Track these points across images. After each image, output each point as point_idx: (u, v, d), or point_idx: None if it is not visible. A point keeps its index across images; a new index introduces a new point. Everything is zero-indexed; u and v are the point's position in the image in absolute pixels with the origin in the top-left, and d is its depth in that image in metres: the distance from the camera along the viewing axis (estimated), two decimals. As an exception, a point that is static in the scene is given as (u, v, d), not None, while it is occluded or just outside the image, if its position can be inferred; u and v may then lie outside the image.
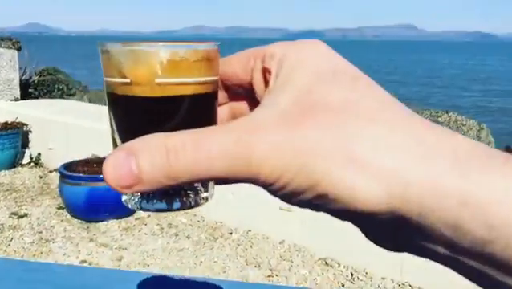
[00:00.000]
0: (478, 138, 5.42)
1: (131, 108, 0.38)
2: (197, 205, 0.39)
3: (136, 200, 0.38)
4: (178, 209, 0.38)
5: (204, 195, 0.40)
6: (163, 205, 0.37)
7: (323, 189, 0.29)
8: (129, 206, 0.38)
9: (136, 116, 0.38)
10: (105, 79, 0.38)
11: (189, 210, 3.78)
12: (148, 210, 0.38)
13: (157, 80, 0.36)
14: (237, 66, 0.40)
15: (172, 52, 0.36)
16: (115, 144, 0.41)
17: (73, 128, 4.69)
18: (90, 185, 3.67)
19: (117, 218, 3.73)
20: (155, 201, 0.37)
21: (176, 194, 0.38)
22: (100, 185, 3.66)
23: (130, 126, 0.38)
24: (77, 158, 4.00)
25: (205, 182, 0.40)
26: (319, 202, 0.31)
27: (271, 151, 0.30)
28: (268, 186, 0.31)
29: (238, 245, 3.37)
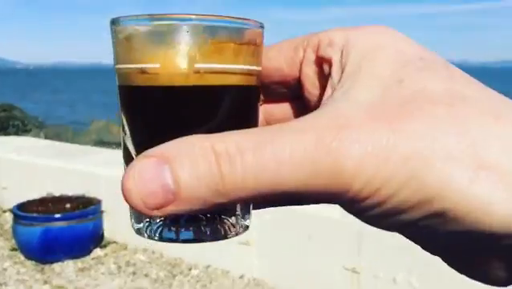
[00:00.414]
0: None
1: (157, 103, 0.29)
2: (235, 234, 0.30)
3: (155, 227, 0.30)
4: (210, 240, 0.30)
5: (244, 222, 0.31)
6: (189, 234, 0.29)
7: (441, 204, 0.22)
8: (144, 236, 0.30)
9: (164, 112, 0.29)
10: (120, 66, 0.30)
11: (149, 247, 3.71)
12: (170, 241, 0.30)
13: (196, 66, 0.28)
14: (281, 58, 0.31)
15: (219, 29, 0.28)
16: (127, 155, 0.32)
17: (27, 167, 4.58)
18: (44, 225, 3.57)
19: (73, 259, 3.62)
20: (181, 229, 0.29)
21: (209, 220, 0.29)
22: (55, 224, 3.57)
23: (154, 126, 0.30)
24: (31, 197, 3.90)
25: (247, 204, 0.31)
26: (430, 222, 0.24)
27: (367, 155, 0.23)
28: (358, 202, 0.24)
29: (198, 281, 3.31)
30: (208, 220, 0.29)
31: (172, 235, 0.29)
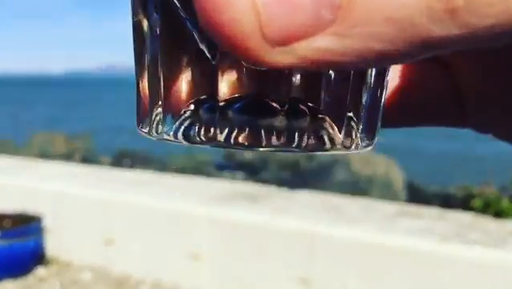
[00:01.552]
0: (387, 173, 5.64)
1: None
2: (351, 147, 0.18)
3: (189, 122, 0.18)
4: (299, 148, 0.18)
5: (367, 136, 0.19)
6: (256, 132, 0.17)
7: None
8: (164, 136, 0.19)
9: None
10: None
11: (95, 264, 3.57)
12: (215, 143, 0.18)
13: None
14: None
15: None
16: None
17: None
18: (-20, 244, 3.37)
19: (13, 278, 3.43)
20: (242, 116, 0.17)
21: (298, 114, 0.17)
22: (-8, 242, 3.37)
23: None
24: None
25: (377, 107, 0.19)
26: None
27: None
28: None
29: (146, 298, 3.20)
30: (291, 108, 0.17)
31: (225, 130, 0.17)
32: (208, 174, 5.32)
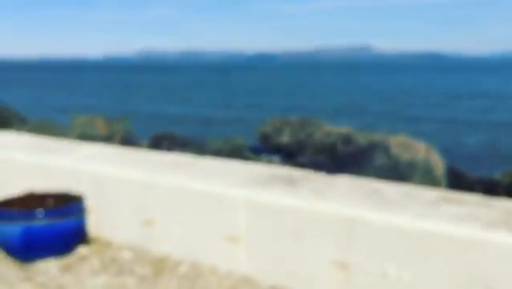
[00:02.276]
0: (427, 159, 5.50)
1: None
2: None
3: None
4: None
5: None
6: None
7: None
8: None
9: None
10: None
11: (134, 244, 3.64)
12: None
13: None
14: None
15: None
16: None
17: (8, 163, 4.46)
18: (26, 223, 3.48)
19: (56, 256, 3.53)
20: None
21: None
22: (36, 222, 3.48)
23: None
24: (12, 194, 3.80)
25: None
26: None
27: None
28: None
29: (184, 278, 3.24)
30: None
31: None
32: (244, 158, 5.32)
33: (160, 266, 3.41)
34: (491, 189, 3.53)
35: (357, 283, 2.76)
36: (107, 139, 7.00)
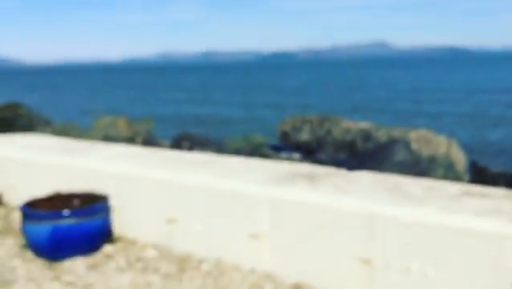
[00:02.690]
0: (448, 154, 5.46)
1: None
2: None
3: None
4: None
5: None
6: None
7: None
8: None
9: None
10: None
11: (159, 242, 3.69)
12: None
13: None
14: None
15: None
16: None
17: (35, 164, 4.56)
18: (53, 223, 3.55)
19: (82, 255, 3.60)
20: None
21: None
22: (64, 221, 3.55)
23: None
24: (39, 195, 3.89)
25: None
26: None
27: None
28: None
29: (208, 275, 3.28)
30: None
31: None
32: (264, 156, 5.34)
33: (184, 263, 3.46)
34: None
35: (381, 280, 2.76)
36: (130, 139, 7.09)
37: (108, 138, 6.94)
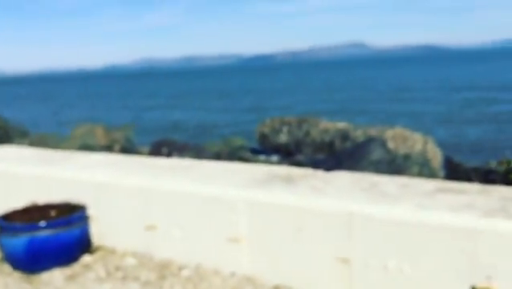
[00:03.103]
0: (425, 150, 5.53)
1: None
2: None
3: None
4: None
5: None
6: None
7: None
8: None
9: None
10: None
11: (138, 250, 3.66)
12: None
13: None
14: None
15: None
16: None
17: (11, 176, 4.50)
18: (29, 235, 3.50)
19: (61, 266, 3.56)
20: None
21: None
22: (41, 233, 3.50)
23: None
24: (16, 207, 3.83)
25: None
26: None
27: None
28: None
29: (188, 281, 3.26)
30: None
31: None
32: (243, 159, 5.34)
33: (164, 270, 3.44)
34: (488, 177, 3.55)
35: (359, 278, 2.78)
36: (108, 148, 7.04)
37: (86, 147, 6.87)
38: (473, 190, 2.91)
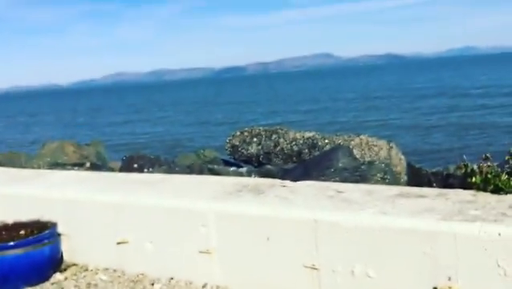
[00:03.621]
0: (389, 157, 5.69)
1: None
2: None
3: None
4: None
5: None
6: None
7: None
8: None
9: None
10: None
11: (110, 266, 3.67)
12: None
13: None
14: None
15: None
16: None
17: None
18: (-1, 255, 3.47)
19: (31, 286, 3.53)
20: None
21: None
22: (10, 253, 3.48)
23: None
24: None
25: None
26: None
27: None
28: None
29: (161, 295, 3.29)
30: None
31: None
32: (213, 171, 5.40)
33: (137, 285, 3.45)
34: (447, 181, 3.69)
35: (327, 284, 2.86)
36: (79, 164, 7.00)
37: (56, 164, 6.82)
38: (432, 194, 3.03)
